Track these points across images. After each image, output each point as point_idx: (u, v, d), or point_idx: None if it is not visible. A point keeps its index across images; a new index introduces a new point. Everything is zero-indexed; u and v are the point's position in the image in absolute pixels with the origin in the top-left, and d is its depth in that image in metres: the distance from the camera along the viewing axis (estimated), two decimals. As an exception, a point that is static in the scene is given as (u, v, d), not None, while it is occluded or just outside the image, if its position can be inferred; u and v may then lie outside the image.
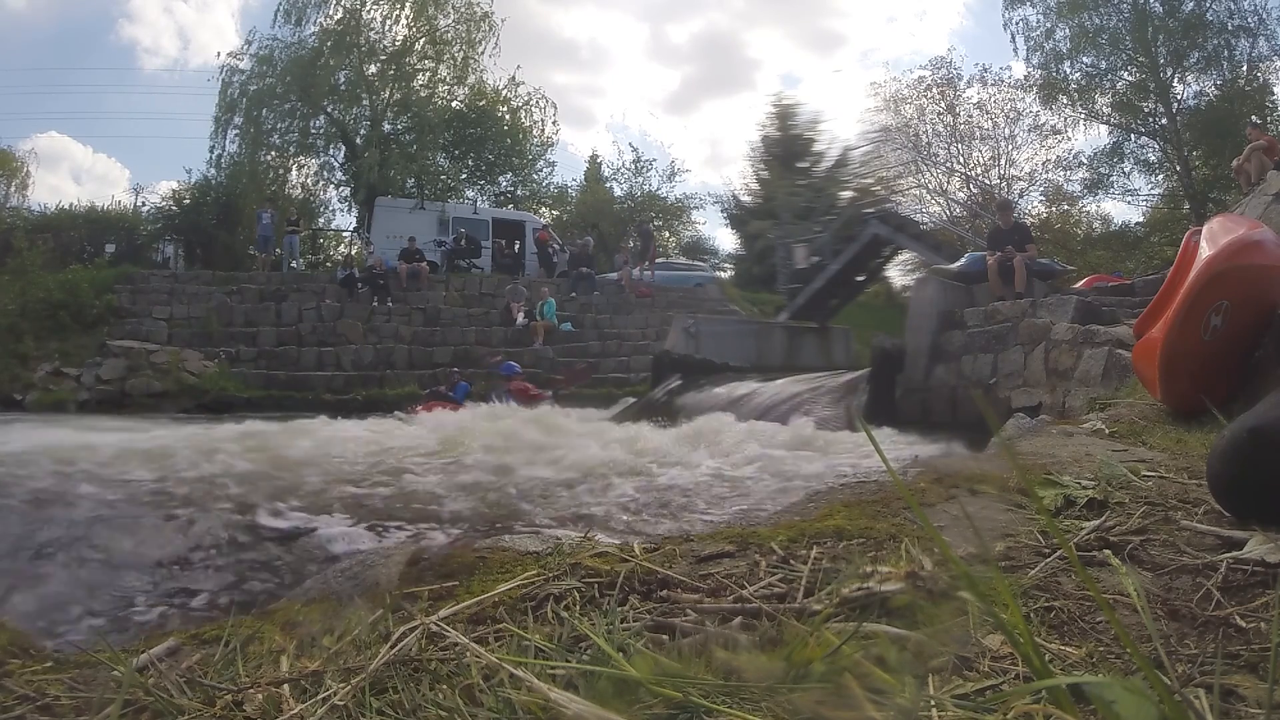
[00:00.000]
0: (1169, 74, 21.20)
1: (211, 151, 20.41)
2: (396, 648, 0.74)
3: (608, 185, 27.00)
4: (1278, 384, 1.58)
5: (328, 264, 20.31)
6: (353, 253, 20.25)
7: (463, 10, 21.78)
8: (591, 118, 59.50)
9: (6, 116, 38.03)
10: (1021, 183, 24.83)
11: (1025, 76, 23.81)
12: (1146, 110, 21.98)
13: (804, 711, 0.59)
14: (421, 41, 21.61)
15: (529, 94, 23.02)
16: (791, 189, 23.51)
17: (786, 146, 26.66)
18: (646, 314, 15.41)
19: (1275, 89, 20.61)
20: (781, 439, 5.44)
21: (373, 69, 21.14)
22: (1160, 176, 22.79)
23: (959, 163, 25.16)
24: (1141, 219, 23.67)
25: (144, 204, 21.34)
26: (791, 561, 0.98)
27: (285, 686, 0.71)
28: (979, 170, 25.07)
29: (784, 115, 27.39)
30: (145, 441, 5.44)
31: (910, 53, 67.49)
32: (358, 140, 21.14)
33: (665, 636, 0.76)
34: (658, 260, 19.32)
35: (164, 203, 20.85)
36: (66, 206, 20.43)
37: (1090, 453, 1.81)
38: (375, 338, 13.68)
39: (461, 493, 3.75)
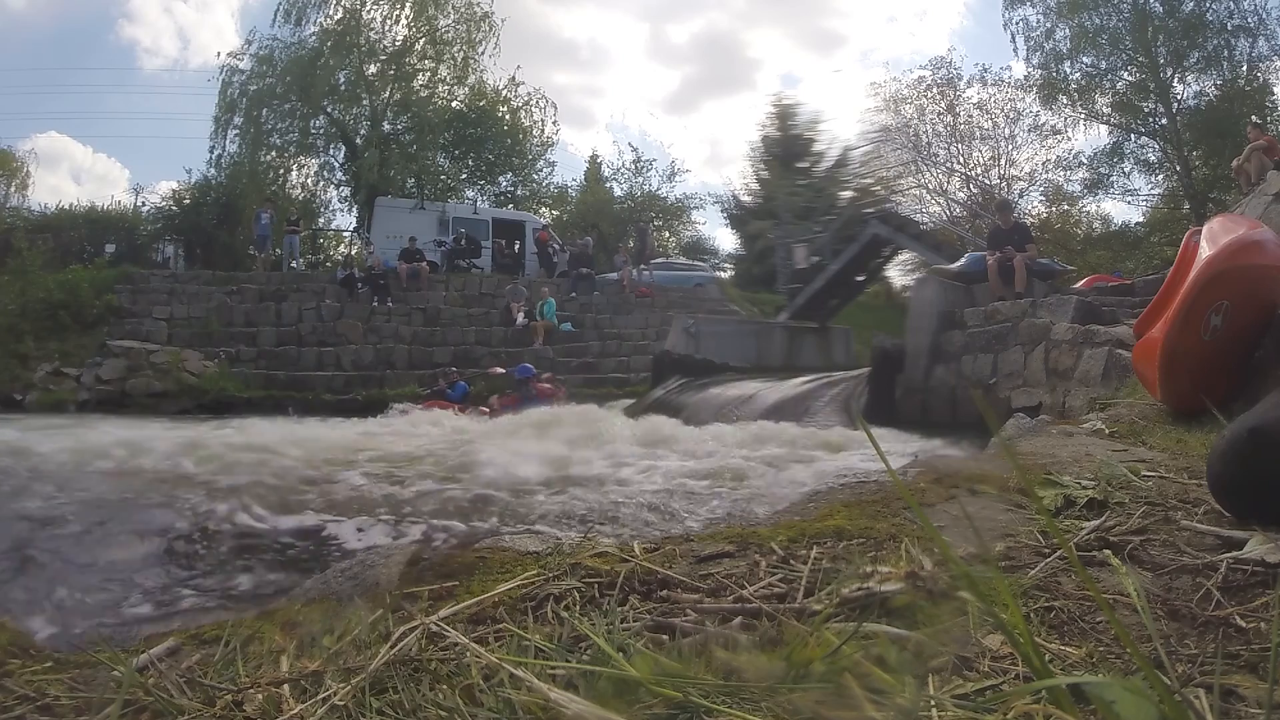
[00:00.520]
0: (1169, 74, 21.20)
1: (211, 151, 20.47)
2: (396, 648, 0.74)
3: (608, 185, 27.02)
4: (1278, 384, 1.58)
5: (328, 264, 20.29)
6: (353, 253, 20.25)
7: (463, 10, 21.81)
8: (591, 118, 59.58)
9: (6, 116, 38.12)
10: (1021, 183, 24.86)
11: (1025, 76, 23.85)
12: (1146, 110, 21.98)
13: (804, 711, 0.59)
14: (421, 41, 21.61)
15: (529, 94, 23.06)
16: (791, 189, 23.50)
17: (786, 146, 26.66)
18: (646, 314, 15.41)
19: (1275, 89, 20.63)
20: (780, 440, 5.44)
21: (373, 69, 21.15)
22: (1160, 176, 22.82)
23: (959, 163, 25.18)
24: (1141, 219, 23.71)
25: (144, 204, 21.37)
26: (791, 561, 0.98)
27: (285, 686, 0.71)
28: (979, 170, 25.09)
29: (784, 115, 27.42)
30: (144, 442, 5.44)
31: (910, 53, 67.61)
32: (358, 140, 21.15)
33: (665, 636, 0.76)
34: (658, 260, 19.33)
35: (164, 203, 20.88)
36: (66, 206, 20.50)
37: (1090, 453, 1.81)
38: (375, 338, 13.68)
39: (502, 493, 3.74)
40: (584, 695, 0.62)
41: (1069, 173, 24.03)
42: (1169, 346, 2.31)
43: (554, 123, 24.72)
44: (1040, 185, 24.80)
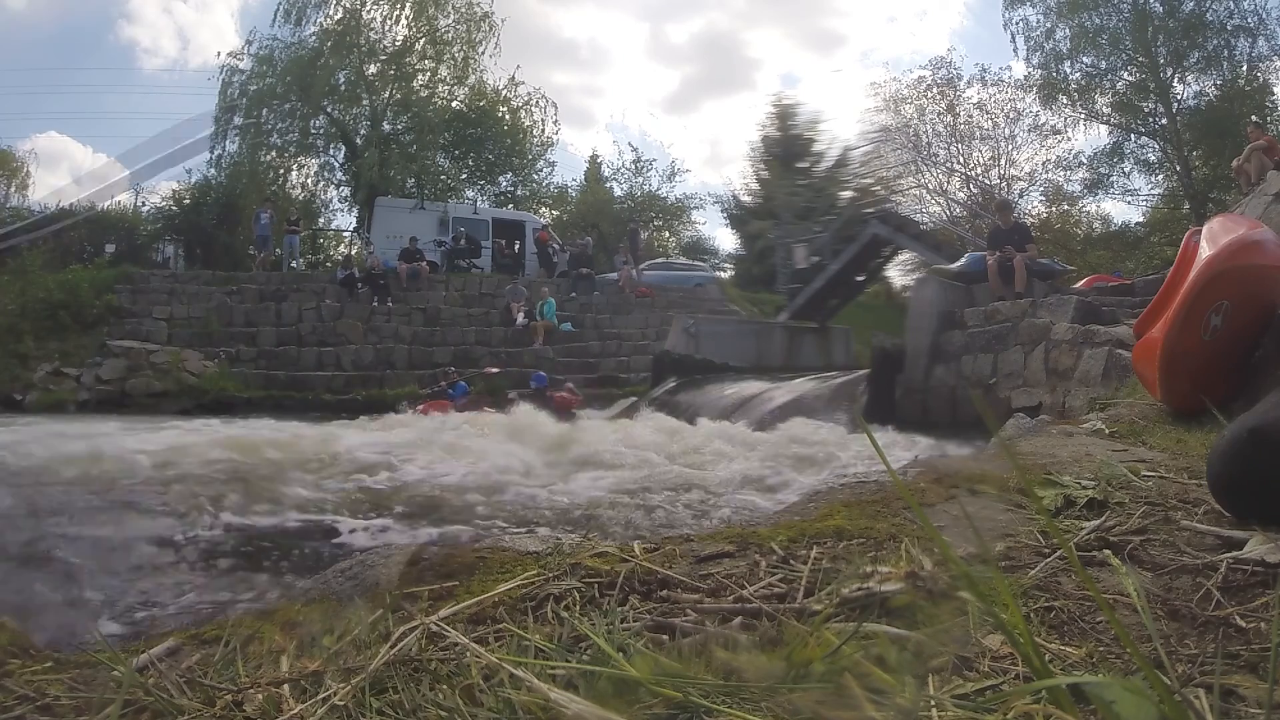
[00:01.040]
0: (1169, 74, 21.21)
1: (211, 151, 20.47)
2: (396, 648, 0.74)
3: (608, 185, 27.04)
4: (1278, 384, 1.58)
5: (328, 264, 20.30)
6: (353, 253, 20.24)
7: (463, 10, 21.82)
8: (591, 118, 59.54)
9: (6, 116, 38.08)
10: (1021, 183, 24.88)
11: (1025, 76, 23.87)
12: (1146, 110, 22.00)
13: (804, 711, 0.59)
14: (421, 41, 21.62)
15: (529, 94, 23.09)
16: (791, 189, 23.49)
17: (786, 146, 26.64)
18: (646, 314, 15.41)
19: (1275, 89, 20.65)
20: (781, 440, 5.44)
21: (373, 69, 21.16)
22: (1160, 176, 22.83)
23: (959, 163, 25.20)
24: (1141, 219, 23.73)
25: (144, 204, 21.37)
26: (791, 561, 0.98)
27: (285, 686, 0.71)
28: (979, 170, 25.11)
29: (784, 115, 27.39)
30: (145, 441, 5.44)
31: (910, 53, 67.65)
32: (358, 140, 21.16)
33: (665, 636, 0.76)
34: (658, 260, 19.32)
35: (164, 203, 20.91)
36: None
37: (1090, 453, 1.81)
38: (375, 338, 13.68)
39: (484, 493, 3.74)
40: (584, 695, 0.62)
41: (1069, 173, 24.10)
42: (1169, 346, 2.31)
43: (554, 123, 24.73)
44: (1040, 185, 24.87)
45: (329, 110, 21.16)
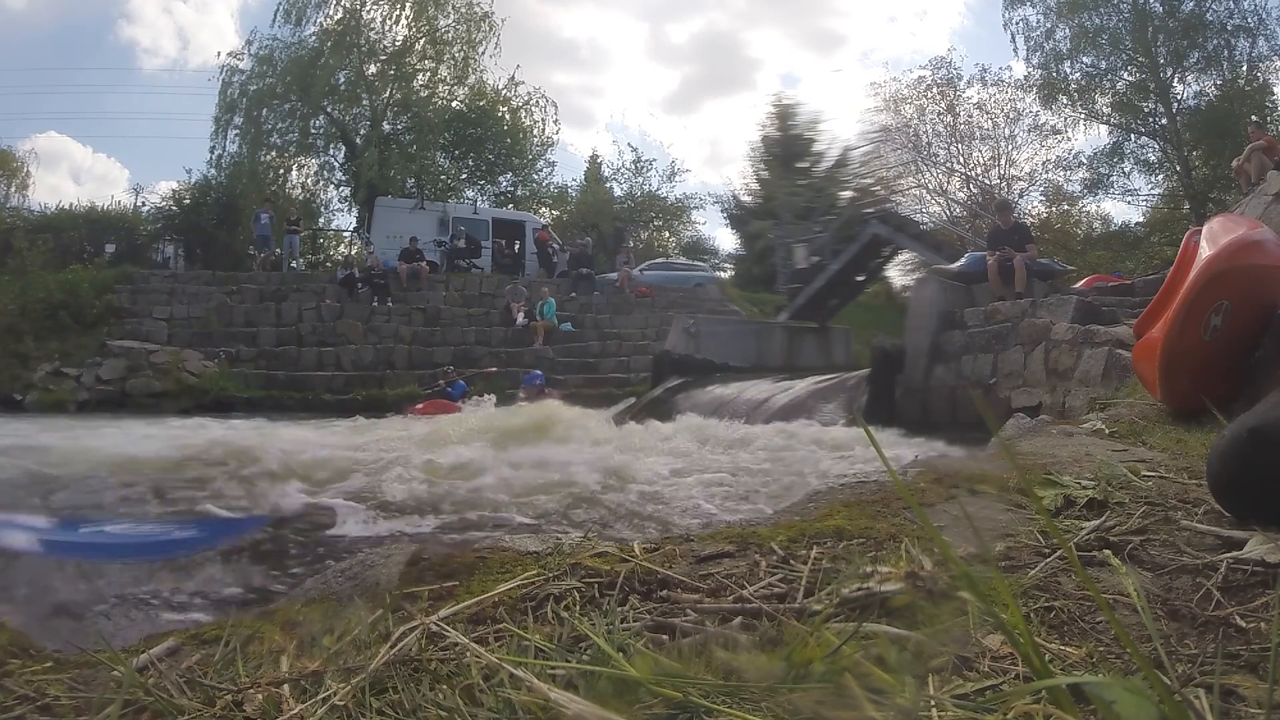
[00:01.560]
0: (1169, 74, 21.21)
1: (211, 151, 20.52)
2: (396, 648, 0.74)
3: (608, 185, 27.02)
4: (1278, 384, 1.58)
5: (328, 264, 20.31)
6: (353, 253, 20.26)
7: (463, 10, 21.84)
8: (591, 118, 59.46)
9: (6, 116, 38.18)
10: (1021, 183, 24.84)
11: (1025, 76, 23.84)
12: (1146, 110, 21.99)
13: (804, 711, 0.59)
14: (421, 41, 21.63)
15: (529, 94, 23.09)
16: (791, 189, 23.48)
17: (786, 146, 26.62)
18: (646, 314, 15.42)
19: (1275, 89, 20.64)
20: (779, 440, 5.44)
21: (373, 69, 21.17)
22: (1160, 176, 22.83)
23: (959, 163, 25.15)
24: (1141, 219, 23.72)
25: (144, 204, 21.38)
26: (791, 561, 0.98)
27: (285, 686, 0.70)
28: (979, 170, 25.07)
29: (784, 115, 27.36)
30: (142, 442, 5.44)
31: (910, 53, 67.57)
32: (358, 140, 21.16)
33: (665, 636, 0.76)
34: (658, 260, 19.31)
35: (164, 203, 20.90)
36: (66, 206, 20.48)
37: (1090, 453, 1.81)
38: (375, 338, 13.68)
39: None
40: (584, 695, 0.62)
41: (1069, 173, 24.07)
42: (1169, 346, 2.31)
43: (554, 122, 24.77)
44: (1040, 185, 24.83)
45: (329, 110, 21.18)
